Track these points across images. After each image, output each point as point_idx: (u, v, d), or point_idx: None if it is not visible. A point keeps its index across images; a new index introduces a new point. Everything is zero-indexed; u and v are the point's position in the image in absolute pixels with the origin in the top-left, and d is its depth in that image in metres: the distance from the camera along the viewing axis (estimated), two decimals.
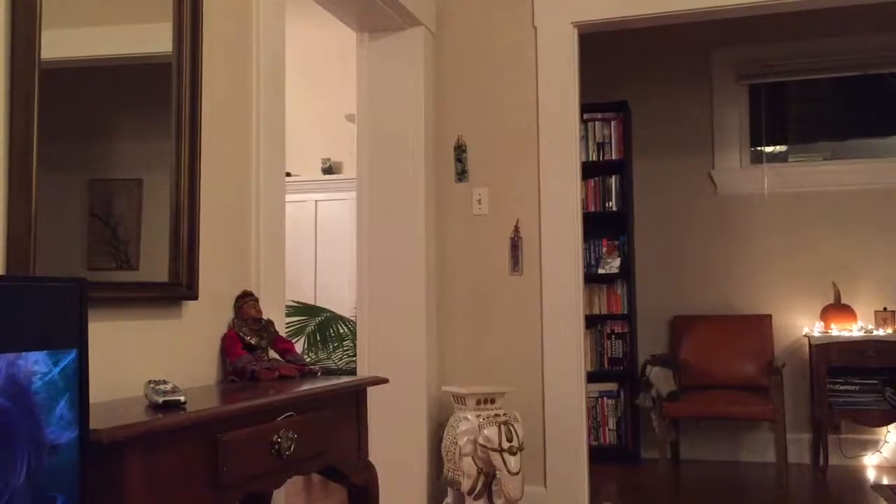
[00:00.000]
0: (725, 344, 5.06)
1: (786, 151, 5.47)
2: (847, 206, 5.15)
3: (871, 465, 4.94)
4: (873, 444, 4.99)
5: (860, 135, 5.35)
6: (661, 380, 4.73)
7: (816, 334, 4.92)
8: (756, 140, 5.41)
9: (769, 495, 4.34)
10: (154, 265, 2.15)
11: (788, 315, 5.17)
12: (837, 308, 4.97)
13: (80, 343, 1.36)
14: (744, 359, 5.00)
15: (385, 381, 2.52)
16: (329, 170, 6.01)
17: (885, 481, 4.55)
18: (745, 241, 5.29)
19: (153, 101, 2.21)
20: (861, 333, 4.85)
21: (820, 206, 5.18)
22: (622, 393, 5.12)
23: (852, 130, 5.37)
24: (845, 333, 4.85)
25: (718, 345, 5.07)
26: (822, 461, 4.81)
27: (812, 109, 5.48)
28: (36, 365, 1.28)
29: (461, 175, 3.94)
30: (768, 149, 5.44)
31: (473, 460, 3.32)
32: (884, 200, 5.10)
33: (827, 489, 4.47)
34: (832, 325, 4.93)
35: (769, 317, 5.11)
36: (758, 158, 5.41)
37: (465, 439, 3.33)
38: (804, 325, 5.13)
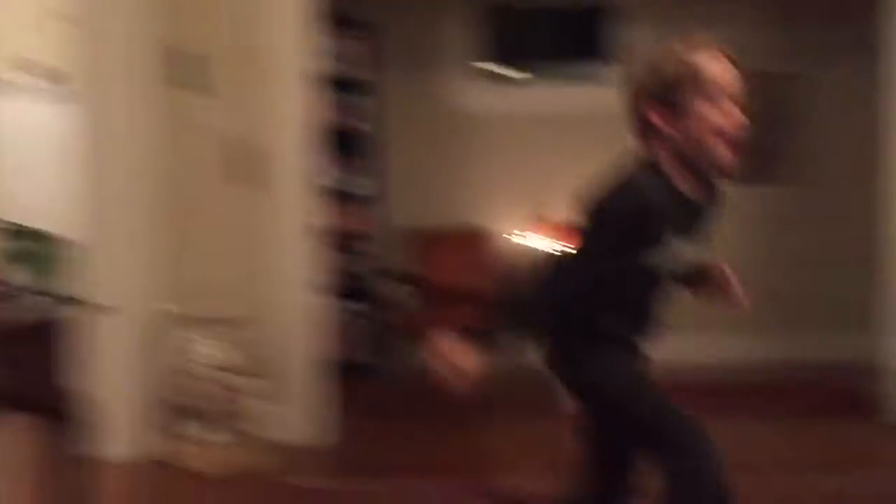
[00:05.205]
0: (465, 260, 5.28)
1: (524, 75, 5.67)
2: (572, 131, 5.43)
3: None
4: None
5: (568, 59, 5.61)
6: (403, 295, 4.86)
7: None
8: (491, 61, 5.57)
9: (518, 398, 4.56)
10: None
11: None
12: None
13: None
14: (482, 273, 5.24)
15: (103, 307, 2.34)
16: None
17: None
18: (481, 160, 5.49)
19: None
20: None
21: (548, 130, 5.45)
22: (366, 310, 5.18)
23: (562, 55, 5.61)
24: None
25: (459, 260, 5.28)
26: None
27: (534, 33, 5.66)
28: None
29: (193, 86, 3.71)
30: (503, 71, 5.63)
31: (209, 385, 3.23)
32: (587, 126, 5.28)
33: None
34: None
35: (495, 232, 5.35)
36: (492, 79, 5.58)
37: (199, 363, 3.22)
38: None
